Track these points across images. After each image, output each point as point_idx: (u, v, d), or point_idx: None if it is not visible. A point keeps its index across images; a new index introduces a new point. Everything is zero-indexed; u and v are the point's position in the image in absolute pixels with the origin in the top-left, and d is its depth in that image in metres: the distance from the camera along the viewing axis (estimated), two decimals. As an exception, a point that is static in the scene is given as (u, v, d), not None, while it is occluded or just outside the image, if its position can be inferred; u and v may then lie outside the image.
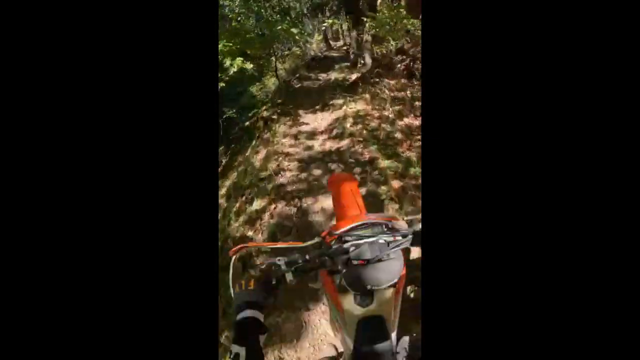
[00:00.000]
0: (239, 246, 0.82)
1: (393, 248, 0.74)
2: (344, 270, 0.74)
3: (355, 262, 0.73)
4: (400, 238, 0.76)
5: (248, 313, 0.66)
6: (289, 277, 0.73)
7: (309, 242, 0.83)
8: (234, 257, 0.80)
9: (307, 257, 0.75)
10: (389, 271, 0.74)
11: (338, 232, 0.80)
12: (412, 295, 1.57)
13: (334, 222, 1.30)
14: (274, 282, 0.74)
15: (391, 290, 0.80)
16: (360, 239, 0.76)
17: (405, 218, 1.54)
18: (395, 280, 0.75)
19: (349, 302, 0.79)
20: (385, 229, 0.79)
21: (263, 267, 0.77)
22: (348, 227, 0.80)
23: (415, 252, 1.65)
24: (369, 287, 0.74)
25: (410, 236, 0.76)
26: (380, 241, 0.75)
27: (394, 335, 0.81)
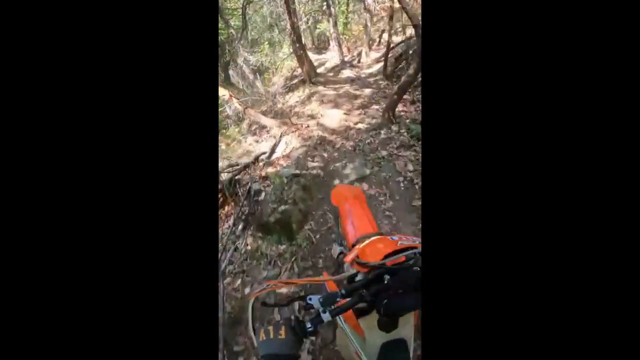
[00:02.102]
0: (260, 288, 0.76)
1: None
2: (384, 301, 0.68)
3: (390, 291, 0.69)
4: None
5: None
6: (326, 317, 0.65)
7: (343, 275, 0.78)
8: (252, 299, 0.74)
9: (343, 292, 0.69)
10: (419, 295, 0.68)
11: (373, 263, 0.76)
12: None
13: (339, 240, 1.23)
14: (309, 327, 0.64)
15: (412, 314, 0.77)
16: (395, 266, 0.73)
17: None
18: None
19: (372, 327, 0.74)
20: (418, 255, 0.76)
21: (287, 309, 0.68)
22: (383, 258, 0.76)
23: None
24: (401, 314, 0.71)
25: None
26: (416, 268, 0.72)
27: (411, 353, 0.78)
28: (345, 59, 7.67)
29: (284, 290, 1.61)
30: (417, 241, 0.80)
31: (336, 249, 1.31)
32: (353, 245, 1.00)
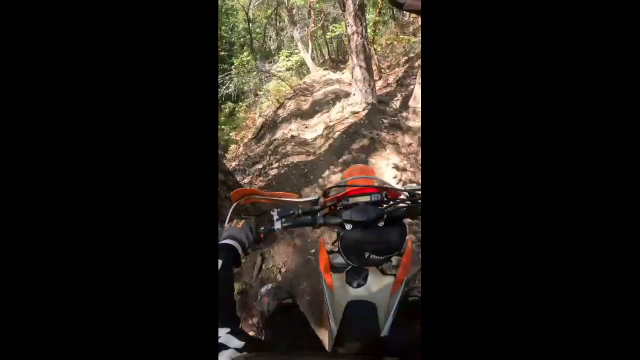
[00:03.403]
0: (240, 190, 0.82)
1: (387, 210, 0.73)
2: (342, 234, 0.74)
3: (348, 226, 0.72)
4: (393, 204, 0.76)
5: (229, 241, 0.70)
6: (277, 225, 0.74)
7: (306, 199, 0.84)
8: (236, 202, 0.81)
9: (300, 212, 0.76)
10: (388, 241, 0.72)
11: (334, 193, 0.80)
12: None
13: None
14: (261, 229, 0.75)
15: (390, 278, 0.76)
16: (355, 203, 0.76)
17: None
18: (394, 255, 0.75)
19: (341, 280, 0.78)
20: (385, 197, 0.78)
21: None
22: (345, 190, 0.79)
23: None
24: (366, 255, 0.72)
25: (407, 203, 0.74)
26: (374, 204, 0.75)
27: (387, 327, 0.73)
28: (379, 98, 4.46)
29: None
30: (394, 190, 0.81)
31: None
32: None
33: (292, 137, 4.08)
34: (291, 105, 6.53)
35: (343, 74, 9.68)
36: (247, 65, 7.84)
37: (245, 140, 6.64)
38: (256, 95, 8.67)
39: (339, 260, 0.80)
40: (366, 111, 4.00)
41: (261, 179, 3.16)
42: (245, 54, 7.87)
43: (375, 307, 0.73)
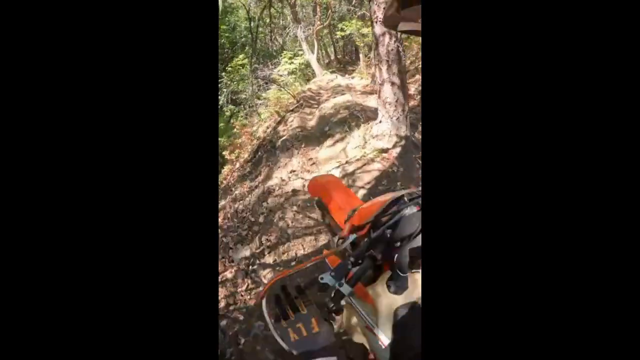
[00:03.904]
0: (268, 284, 0.71)
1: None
2: (396, 256, 0.69)
3: (397, 244, 0.70)
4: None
5: None
6: (345, 290, 0.66)
7: (343, 245, 0.79)
8: (264, 298, 0.69)
9: (352, 259, 0.71)
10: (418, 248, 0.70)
11: (365, 222, 0.77)
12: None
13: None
14: (332, 306, 0.65)
15: (419, 274, 0.76)
16: (392, 218, 0.72)
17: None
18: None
19: (384, 293, 0.73)
20: (408, 200, 0.75)
21: (300, 290, 0.67)
22: (373, 214, 0.76)
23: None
24: (418, 261, 0.71)
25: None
26: (412, 211, 0.72)
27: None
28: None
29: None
30: (410, 192, 0.80)
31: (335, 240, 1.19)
32: (345, 222, 0.99)
33: (294, 191, 2.92)
34: (293, 121, 5.40)
35: (352, 77, 8.55)
36: (241, 70, 6.71)
37: (241, 160, 5.57)
38: (251, 106, 7.56)
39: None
40: (398, 148, 2.86)
41: (249, 281, 2.04)
42: (241, 56, 6.72)
43: (419, 306, 0.73)
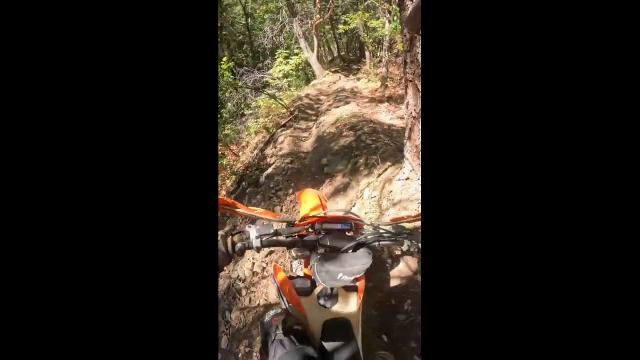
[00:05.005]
0: (221, 200, 0.77)
1: (358, 239, 0.80)
2: (319, 257, 0.77)
3: (320, 250, 0.80)
4: (369, 236, 0.81)
5: None
6: (255, 244, 0.75)
7: (285, 219, 0.86)
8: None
9: (279, 231, 0.78)
10: (356, 264, 0.75)
11: (311, 217, 0.86)
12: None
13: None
14: (238, 245, 0.74)
15: (354, 294, 0.86)
16: (331, 230, 0.83)
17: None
18: (359, 276, 0.77)
19: (313, 305, 0.83)
20: (352, 227, 0.86)
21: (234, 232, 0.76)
22: (321, 216, 0.88)
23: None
24: (339, 276, 0.75)
25: (378, 240, 0.80)
26: (349, 234, 0.85)
27: (359, 339, 0.83)
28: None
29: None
30: (359, 221, 0.88)
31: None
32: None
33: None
34: (284, 143, 4.28)
35: (359, 80, 7.36)
36: (225, 76, 5.58)
37: (225, 188, 4.51)
38: (242, 115, 6.44)
39: (303, 284, 0.89)
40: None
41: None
42: (225, 59, 5.58)
43: (350, 324, 0.81)
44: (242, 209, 0.80)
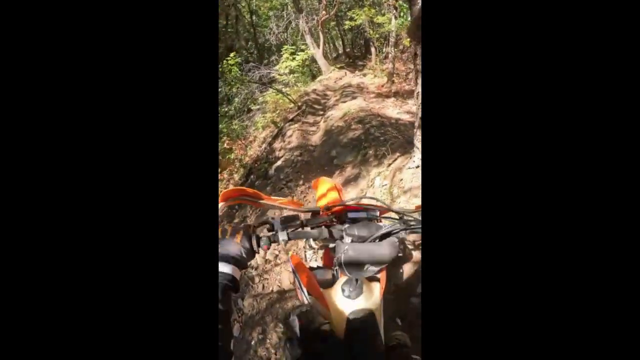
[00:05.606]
0: (231, 191, 0.71)
1: (385, 228, 0.77)
2: (344, 248, 0.73)
3: (349, 239, 0.76)
4: (396, 225, 0.78)
5: (227, 269, 0.63)
6: (282, 236, 0.70)
7: (309, 208, 0.82)
8: (222, 204, 0.71)
9: (305, 221, 0.75)
10: (383, 254, 0.73)
11: (336, 207, 0.82)
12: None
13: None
14: (263, 239, 0.69)
15: (377, 284, 0.80)
16: (357, 218, 0.80)
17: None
18: (384, 266, 0.76)
19: (337, 296, 0.77)
20: (379, 214, 0.84)
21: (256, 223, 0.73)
22: (347, 204, 0.83)
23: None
24: (365, 267, 0.74)
25: (405, 226, 0.78)
26: (377, 222, 0.81)
27: (381, 330, 0.78)
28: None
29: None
30: (388, 208, 0.87)
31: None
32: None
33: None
34: (292, 136, 4.31)
35: (365, 75, 7.37)
36: (233, 71, 5.63)
37: (233, 181, 4.55)
38: (249, 111, 6.48)
39: (324, 275, 0.85)
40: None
41: None
42: (232, 54, 5.62)
43: (374, 314, 0.76)
44: (265, 200, 0.76)
